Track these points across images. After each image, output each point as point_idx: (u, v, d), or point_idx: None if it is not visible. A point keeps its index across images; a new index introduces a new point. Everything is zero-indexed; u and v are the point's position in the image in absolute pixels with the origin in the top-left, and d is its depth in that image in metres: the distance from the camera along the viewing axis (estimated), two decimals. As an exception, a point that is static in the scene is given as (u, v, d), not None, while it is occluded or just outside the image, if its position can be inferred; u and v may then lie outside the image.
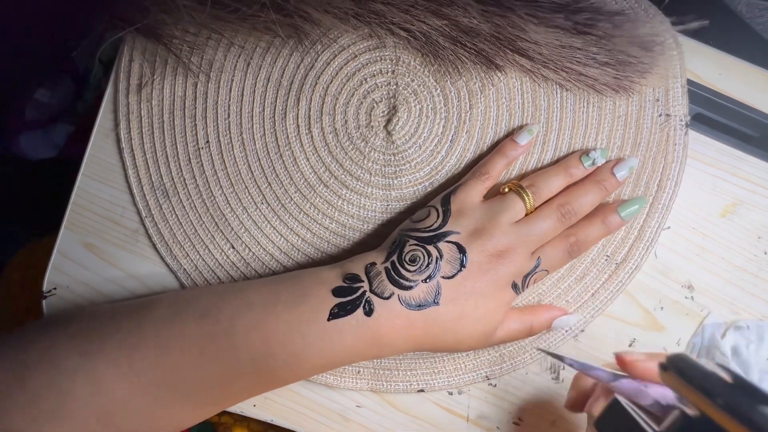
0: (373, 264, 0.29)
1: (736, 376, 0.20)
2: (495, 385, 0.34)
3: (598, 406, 0.25)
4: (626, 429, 0.21)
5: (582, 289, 0.33)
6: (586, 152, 0.33)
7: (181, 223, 0.35)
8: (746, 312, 0.34)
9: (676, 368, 0.21)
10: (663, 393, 0.23)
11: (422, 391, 0.33)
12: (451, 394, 0.34)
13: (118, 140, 0.35)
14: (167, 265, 0.35)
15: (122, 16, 0.32)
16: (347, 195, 0.34)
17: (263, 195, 0.34)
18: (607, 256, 0.33)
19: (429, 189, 0.34)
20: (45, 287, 0.35)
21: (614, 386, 0.24)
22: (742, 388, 0.19)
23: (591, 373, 0.25)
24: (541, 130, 0.34)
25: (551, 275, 0.33)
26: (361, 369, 0.33)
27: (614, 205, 0.32)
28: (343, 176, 0.34)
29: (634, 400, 0.24)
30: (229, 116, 0.35)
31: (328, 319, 0.28)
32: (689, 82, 0.34)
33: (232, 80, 0.35)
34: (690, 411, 0.20)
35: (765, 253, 0.34)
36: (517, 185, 0.31)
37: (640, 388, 0.23)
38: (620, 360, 0.24)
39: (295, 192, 0.34)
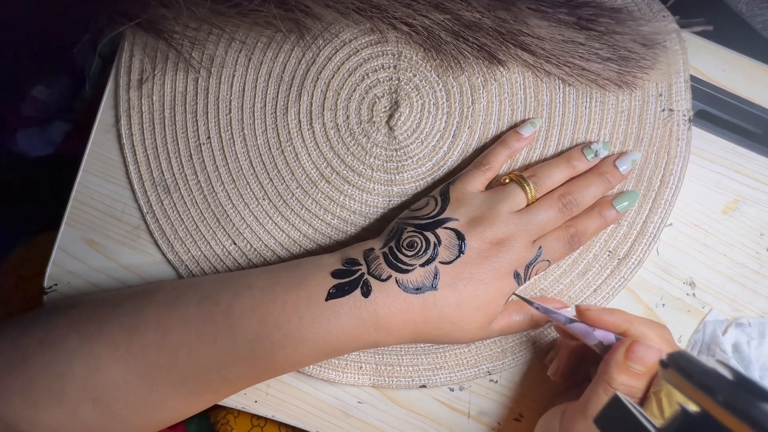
0: (372, 249, 0.29)
1: (737, 373, 0.20)
2: (496, 382, 0.34)
3: (558, 364, 0.31)
4: (626, 426, 0.21)
5: (584, 285, 0.33)
6: (588, 144, 0.33)
7: (182, 219, 0.35)
8: (748, 309, 0.34)
9: (677, 365, 0.21)
10: (605, 335, 0.28)
11: (424, 386, 0.34)
12: (452, 390, 0.34)
13: (119, 136, 0.35)
14: (169, 260, 0.35)
15: (122, 11, 0.32)
16: (349, 190, 0.34)
17: (265, 190, 0.34)
18: (610, 251, 0.33)
19: (431, 185, 0.34)
20: (46, 283, 0.35)
21: (568, 327, 0.28)
22: (742, 385, 0.19)
23: (551, 316, 0.29)
24: (544, 125, 0.33)
25: (554, 271, 0.33)
26: (363, 365, 0.34)
27: (610, 198, 0.32)
28: (344, 172, 0.34)
29: (583, 339, 0.28)
30: (230, 112, 0.35)
31: (326, 300, 0.28)
32: (692, 78, 0.34)
33: (234, 76, 0.34)
34: (690, 408, 0.20)
35: (767, 250, 0.34)
36: (519, 176, 0.31)
37: (588, 330, 0.28)
38: (578, 309, 0.29)
39: (297, 187, 0.34)
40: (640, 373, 0.26)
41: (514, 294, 0.31)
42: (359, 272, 0.29)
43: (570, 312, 0.30)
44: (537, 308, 0.29)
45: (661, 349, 0.27)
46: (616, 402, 0.22)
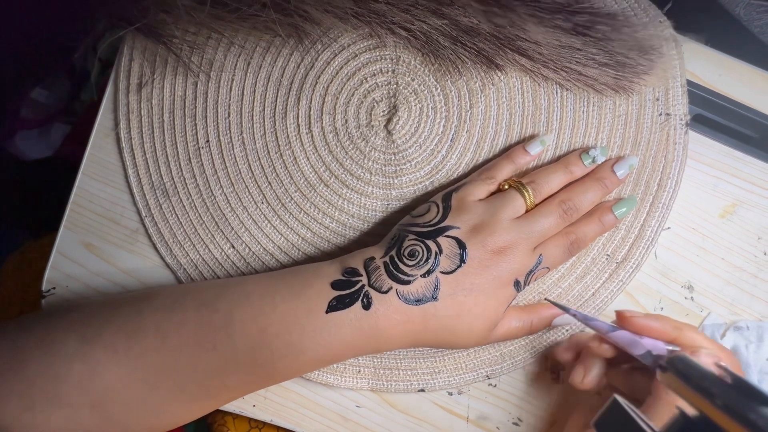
0: (372, 258, 0.29)
1: (735, 377, 0.20)
2: (495, 386, 0.34)
3: (584, 371, 0.29)
4: (625, 429, 0.21)
5: (583, 289, 0.33)
6: (585, 150, 0.33)
7: (181, 223, 0.35)
8: (746, 312, 0.34)
9: (676, 369, 0.22)
10: (655, 344, 0.25)
11: (423, 390, 0.34)
12: (451, 394, 0.34)
13: (118, 139, 0.35)
14: (167, 264, 0.35)
15: (122, 16, 0.32)
16: (347, 194, 0.34)
17: (263, 194, 0.34)
18: (608, 255, 0.33)
19: (429, 188, 0.34)
20: (44, 287, 0.35)
21: (611, 336, 0.26)
22: (741, 388, 0.19)
23: (591, 324, 0.27)
24: (542, 129, 0.34)
25: (552, 274, 0.33)
26: (361, 369, 0.34)
27: (609, 203, 0.32)
28: (343, 175, 0.34)
29: (628, 349, 0.26)
30: (229, 116, 0.35)
31: (327, 312, 0.28)
32: (689, 83, 0.34)
33: (233, 80, 0.35)
34: (689, 411, 0.20)
35: (764, 254, 0.34)
36: (517, 182, 0.31)
37: (635, 339, 0.25)
38: (620, 315, 0.27)
39: (296, 191, 0.34)
40: None
41: (546, 300, 0.30)
42: (359, 284, 0.28)
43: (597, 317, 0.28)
44: (575, 315, 0.28)
45: (719, 356, 0.25)
46: (615, 406, 0.22)
